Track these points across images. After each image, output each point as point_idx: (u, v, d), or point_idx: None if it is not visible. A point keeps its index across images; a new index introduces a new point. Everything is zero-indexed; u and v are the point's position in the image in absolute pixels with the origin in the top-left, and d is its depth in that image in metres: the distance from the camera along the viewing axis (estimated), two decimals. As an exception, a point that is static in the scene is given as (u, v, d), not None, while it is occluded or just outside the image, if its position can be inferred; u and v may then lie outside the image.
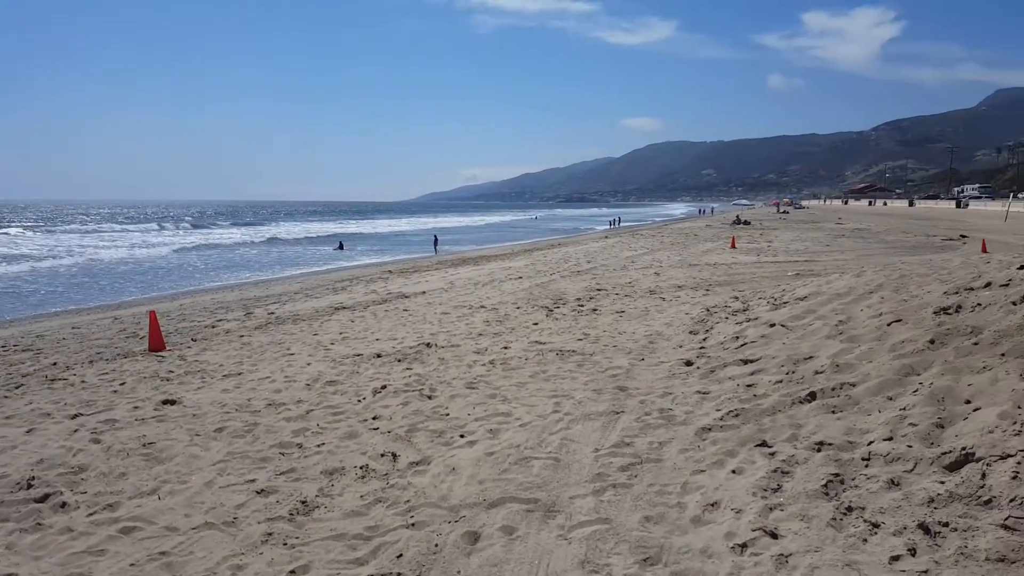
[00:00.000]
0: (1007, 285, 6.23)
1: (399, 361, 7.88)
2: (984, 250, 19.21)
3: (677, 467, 4.29)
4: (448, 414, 5.81)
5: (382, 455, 4.92)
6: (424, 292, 14.56)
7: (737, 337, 7.33)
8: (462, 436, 5.24)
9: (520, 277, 16.71)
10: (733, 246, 24.61)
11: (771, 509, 3.49)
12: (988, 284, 6.48)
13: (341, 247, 36.52)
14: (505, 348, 8.27)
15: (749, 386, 5.49)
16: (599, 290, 13.44)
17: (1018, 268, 6.99)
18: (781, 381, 5.40)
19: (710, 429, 4.76)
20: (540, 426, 5.29)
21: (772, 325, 7.26)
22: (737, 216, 53.82)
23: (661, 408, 5.45)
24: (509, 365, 7.37)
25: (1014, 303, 5.46)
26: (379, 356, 8.19)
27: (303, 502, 4.18)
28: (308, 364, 7.97)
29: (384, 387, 6.71)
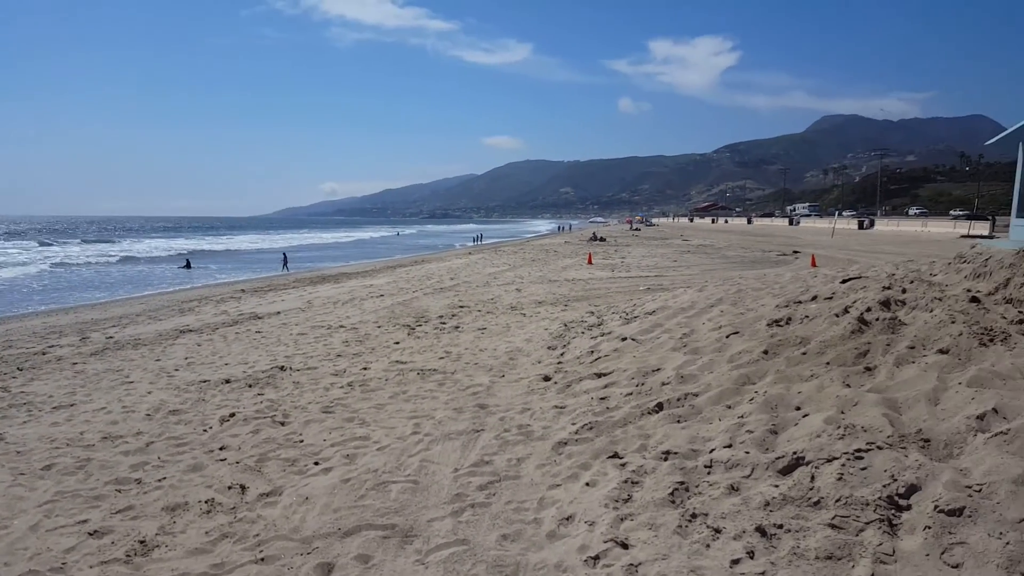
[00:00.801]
0: (831, 298, 6.86)
1: (250, 387, 7.44)
2: (813, 264, 21.16)
3: (534, 483, 4.32)
4: (302, 441, 5.54)
5: (229, 487, 4.60)
6: (279, 312, 13.91)
7: (592, 351, 7.56)
8: (317, 463, 5.00)
9: (382, 295, 16.40)
10: (590, 262, 25.54)
11: (622, 520, 3.58)
12: (815, 297, 7.10)
13: (188, 265, 34.21)
14: (364, 369, 8.04)
15: (603, 399, 5.66)
16: (462, 307, 13.45)
17: (841, 282, 7.73)
18: (632, 393, 5.60)
19: (566, 443, 4.84)
20: (399, 448, 5.16)
21: (624, 339, 7.55)
22: (594, 233, 56.10)
23: (520, 424, 5.49)
24: (368, 387, 7.17)
25: (837, 315, 6.01)
26: (228, 382, 7.70)
27: (141, 542, 3.84)
28: (149, 392, 7.35)
29: (233, 415, 6.30)
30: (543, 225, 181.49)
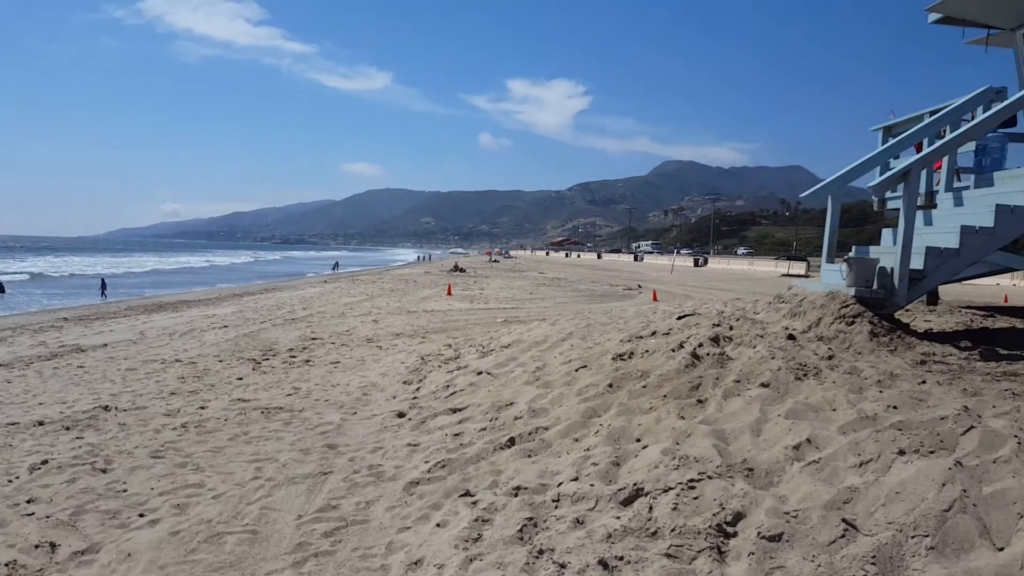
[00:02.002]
0: (668, 334, 7.29)
1: (67, 429, 6.72)
2: (655, 299, 22.48)
3: (383, 526, 4.21)
4: (126, 490, 5.06)
5: (37, 546, 4.10)
6: (106, 344, 12.72)
7: (448, 386, 7.55)
8: (142, 515, 4.58)
9: (226, 326, 15.48)
10: (449, 293, 25.63)
11: (471, 560, 3.57)
12: (654, 333, 7.52)
13: (2, 290, 30.56)
14: (202, 408, 7.51)
15: (457, 435, 5.65)
16: (314, 339, 12.98)
17: (677, 319, 8.25)
18: (485, 428, 5.64)
19: (418, 483, 4.77)
20: (237, 495, 4.85)
21: (480, 373, 7.61)
22: (455, 264, 56.44)
23: (371, 464, 5.35)
24: (205, 428, 6.69)
25: (673, 350, 6.39)
26: (41, 424, 6.90)
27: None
28: (-62, 440, 6.43)
29: (45, 462, 5.64)
30: (404, 254, 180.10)
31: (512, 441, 5.21)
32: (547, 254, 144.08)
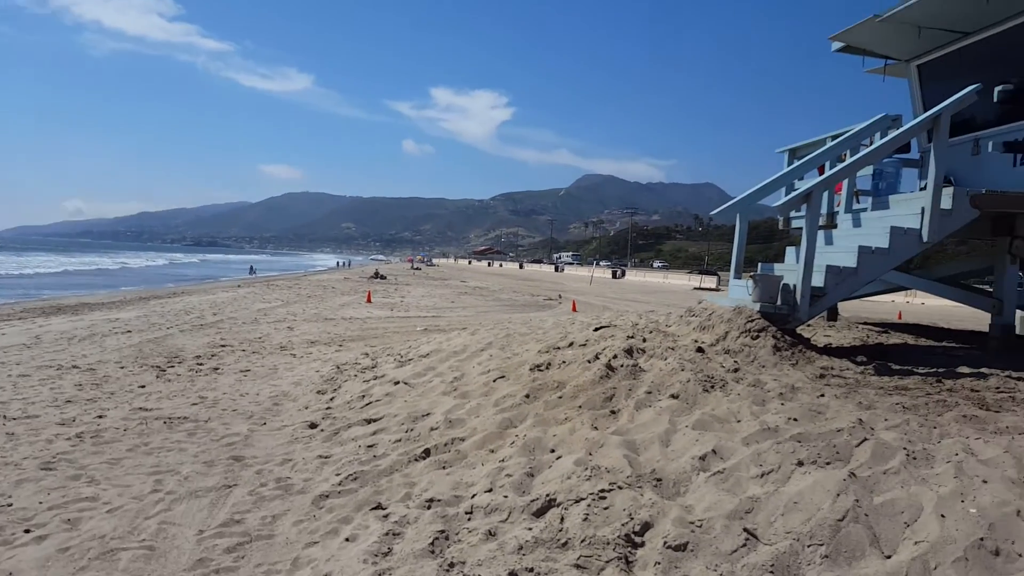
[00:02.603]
0: (585, 345, 7.40)
1: (-57, 441, 6.20)
2: (574, 309, 22.82)
3: (290, 541, 4.08)
4: (11, 504, 4.71)
5: (-98, 570, 3.76)
6: (-5, 349, 11.85)
7: (364, 396, 7.41)
8: (28, 531, 4.27)
9: (129, 331, 14.70)
10: (369, 300, 25.22)
11: (380, 575, 3.50)
12: (571, 343, 7.62)
13: None
14: (100, 417, 7.09)
15: (370, 446, 5.55)
16: (224, 346, 12.50)
17: (594, 330, 8.38)
18: (400, 440, 5.56)
19: (328, 496, 4.65)
20: (134, 510, 4.59)
21: (396, 383, 7.51)
22: (376, 270, 55.61)
23: (279, 477, 5.18)
24: (102, 438, 6.32)
25: (589, 361, 6.49)
26: (-88, 435, 6.35)
27: None
28: None
29: (-85, 477, 5.19)
30: (324, 259, 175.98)
31: (427, 452, 5.15)
32: (470, 263, 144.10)
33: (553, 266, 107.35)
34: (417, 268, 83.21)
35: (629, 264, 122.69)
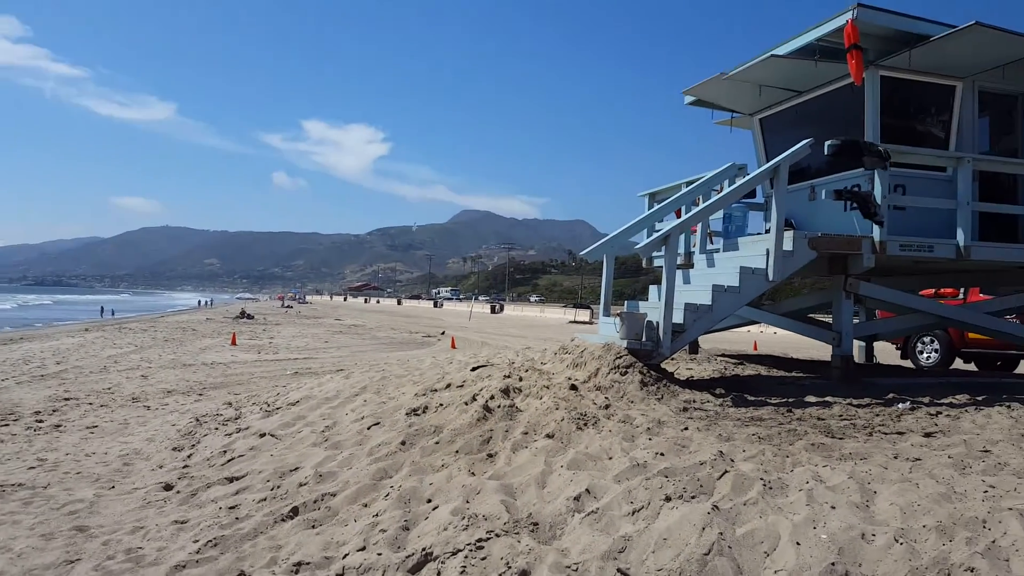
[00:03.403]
0: (462, 386, 7.37)
1: None
2: (453, 346, 22.74)
3: (140, 622, 3.72)
4: None
5: None
6: None
7: (225, 451, 6.96)
8: None
9: (-48, 385, 13.09)
10: (234, 343, 23.94)
11: (244, 653, 3.25)
12: (448, 385, 7.57)
13: None
14: (-90, 491, 6.21)
15: (232, 508, 5.19)
16: (68, 399, 11.38)
17: (471, 370, 8.37)
18: (265, 499, 5.25)
19: (184, 566, 4.29)
20: (-49, 600, 4.03)
21: (262, 435, 7.12)
22: (242, 309, 52.94)
23: (129, 548, 4.72)
24: (-87, 515, 5.53)
25: (466, 403, 6.46)
26: None
27: None
28: None
29: None
30: (184, 298, 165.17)
31: (295, 511, 4.89)
32: (345, 299, 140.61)
33: (432, 301, 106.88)
34: (288, 306, 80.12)
35: (507, 299, 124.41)
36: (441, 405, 6.66)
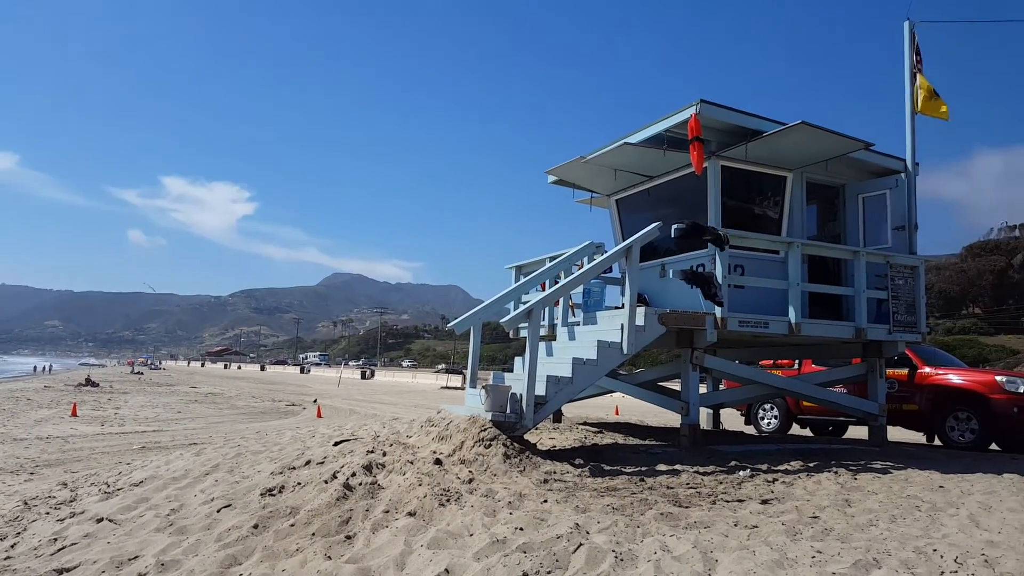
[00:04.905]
0: (323, 463, 7.18)
1: None
2: (319, 415, 21.91)
3: None
4: None
5: None
6: None
7: (56, 539, 6.33)
8: None
9: None
10: (74, 413, 21.84)
11: None
12: (308, 462, 7.34)
13: None
14: None
15: (59, 606, 4.73)
16: None
17: (334, 444, 8.17)
18: (99, 593, 4.83)
19: None
20: None
21: (100, 520, 6.55)
22: (87, 376, 48.44)
23: (-73, 661, 4.18)
24: None
25: (326, 481, 6.29)
26: None
27: None
28: None
29: None
30: (21, 363, 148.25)
31: (133, 605, 4.54)
32: (203, 365, 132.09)
33: (299, 367, 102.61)
34: (139, 372, 74.12)
35: (379, 363, 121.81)
36: (299, 484, 6.45)
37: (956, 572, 4.21)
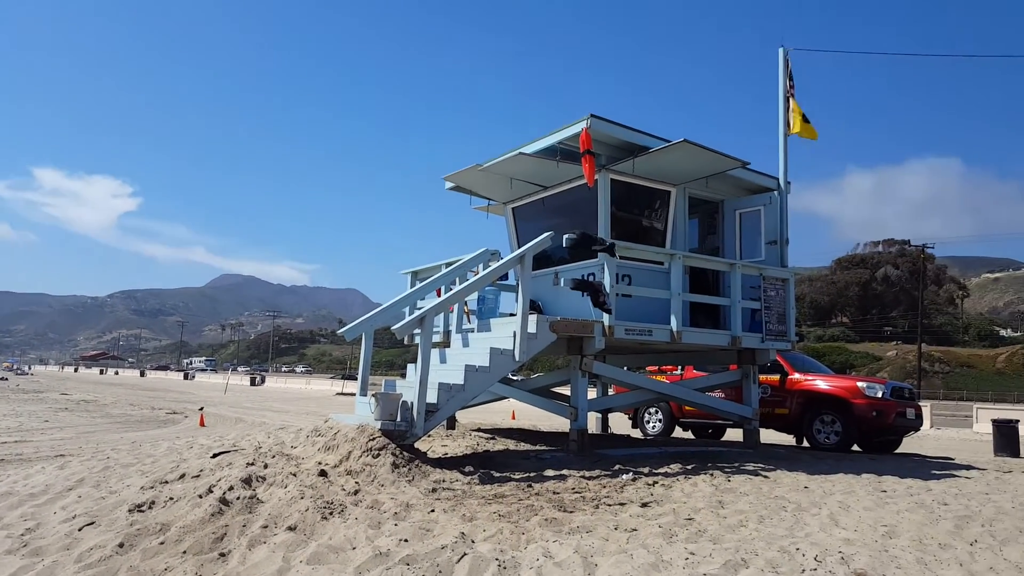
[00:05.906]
0: (199, 476, 6.83)
1: None
2: (202, 424, 20.82)
3: None
4: None
5: None
6: None
7: None
8: None
9: None
10: (-83, 426, 19.75)
11: None
12: (183, 475, 6.97)
13: None
14: None
15: None
16: None
17: (212, 456, 7.80)
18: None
19: None
20: None
21: (-60, 545, 5.96)
22: (-68, 384, 43.96)
23: None
24: None
25: (201, 496, 5.99)
26: None
27: None
28: None
29: None
30: None
31: (-27, 638, 4.15)
32: (76, 370, 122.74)
33: (183, 373, 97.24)
34: (3, 378, 68.03)
35: (271, 369, 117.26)
36: (171, 499, 6.11)
37: (816, 570, 4.51)
